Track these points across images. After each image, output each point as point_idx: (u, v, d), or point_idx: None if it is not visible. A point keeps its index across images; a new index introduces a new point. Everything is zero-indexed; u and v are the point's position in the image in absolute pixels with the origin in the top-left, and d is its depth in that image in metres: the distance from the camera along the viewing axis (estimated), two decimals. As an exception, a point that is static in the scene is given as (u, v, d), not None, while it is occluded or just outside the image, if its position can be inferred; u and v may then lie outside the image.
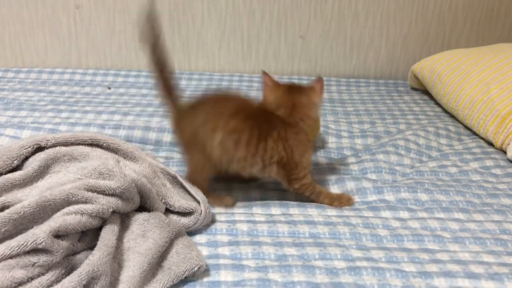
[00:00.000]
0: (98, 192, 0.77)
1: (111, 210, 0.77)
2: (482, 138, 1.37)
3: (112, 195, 0.78)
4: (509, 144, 1.27)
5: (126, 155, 0.88)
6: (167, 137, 1.27)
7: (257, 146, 0.97)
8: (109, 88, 1.60)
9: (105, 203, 0.76)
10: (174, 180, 0.95)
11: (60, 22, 1.68)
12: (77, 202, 0.74)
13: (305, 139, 1.01)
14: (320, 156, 1.25)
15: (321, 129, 1.34)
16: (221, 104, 0.99)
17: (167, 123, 1.34)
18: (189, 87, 1.64)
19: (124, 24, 1.69)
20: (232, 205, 1.01)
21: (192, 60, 1.76)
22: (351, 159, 1.23)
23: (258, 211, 1.00)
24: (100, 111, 1.41)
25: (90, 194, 0.76)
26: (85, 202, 0.75)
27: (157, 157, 1.19)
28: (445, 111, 1.55)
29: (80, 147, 0.85)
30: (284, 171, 1.00)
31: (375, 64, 1.80)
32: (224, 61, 1.77)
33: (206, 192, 0.96)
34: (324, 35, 1.75)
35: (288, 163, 0.99)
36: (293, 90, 1.02)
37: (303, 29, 1.74)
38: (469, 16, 1.76)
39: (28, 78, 1.64)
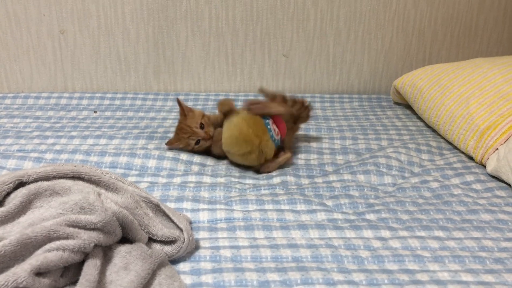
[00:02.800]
0: (80, 227, 0.78)
1: (93, 244, 0.78)
2: (462, 153, 1.39)
3: (94, 229, 0.79)
4: (488, 158, 1.29)
5: (107, 187, 0.89)
6: (152, 163, 1.28)
7: None
8: (95, 112, 1.62)
9: (86, 238, 0.77)
10: (156, 208, 0.96)
11: (45, 47, 1.70)
12: (58, 238, 0.75)
13: None
14: (302, 174, 1.26)
15: (304, 145, 1.36)
16: None
17: (151, 147, 1.35)
18: (175, 108, 1.66)
19: (109, 47, 1.71)
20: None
21: (178, 81, 1.78)
22: (333, 177, 1.25)
23: (242, 234, 1.01)
24: (86, 135, 1.42)
25: (71, 229, 0.77)
26: (67, 238, 0.76)
27: (142, 182, 1.20)
28: (427, 125, 1.57)
29: (61, 180, 0.86)
30: None
31: (358, 79, 1.83)
32: (209, 81, 1.79)
33: None
34: (307, 53, 1.77)
35: None
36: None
37: (286, 48, 1.76)
38: (449, 31, 1.79)
39: (14, 103, 1.65)
